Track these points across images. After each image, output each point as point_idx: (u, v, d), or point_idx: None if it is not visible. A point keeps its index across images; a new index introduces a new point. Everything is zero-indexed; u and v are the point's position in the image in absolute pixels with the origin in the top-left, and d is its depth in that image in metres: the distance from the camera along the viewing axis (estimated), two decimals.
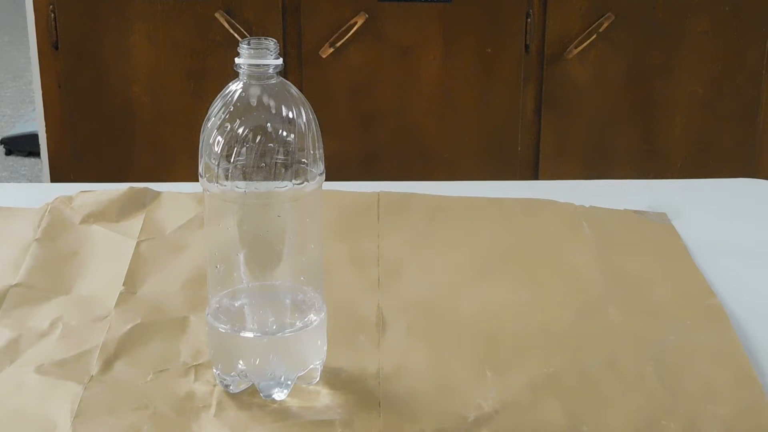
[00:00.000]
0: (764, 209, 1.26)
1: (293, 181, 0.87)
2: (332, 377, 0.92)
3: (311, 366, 0.91)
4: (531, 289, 1.07)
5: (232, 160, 0.86)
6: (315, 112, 0.88)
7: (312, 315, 0.91)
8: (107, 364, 0.94)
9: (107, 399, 0.90)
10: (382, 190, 1.23)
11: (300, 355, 0.90)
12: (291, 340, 0.90)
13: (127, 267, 1.08)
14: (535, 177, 2.18)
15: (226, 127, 0.86)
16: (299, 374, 0.90)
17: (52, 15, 2.07)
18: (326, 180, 0.90)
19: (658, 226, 1.19)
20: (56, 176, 2.18)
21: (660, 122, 2.15)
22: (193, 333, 0.98)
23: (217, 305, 0.91)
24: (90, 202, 1.18)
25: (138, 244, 1.12)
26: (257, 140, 0.86)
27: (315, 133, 0.88)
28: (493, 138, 2.16)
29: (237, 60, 0.87)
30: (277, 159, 0.86)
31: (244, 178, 0.87)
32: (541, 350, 0.97)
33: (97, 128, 2.16)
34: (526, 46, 2.10)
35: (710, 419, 0.88)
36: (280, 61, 0.87)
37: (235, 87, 0.87)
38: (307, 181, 0.88)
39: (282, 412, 0.89)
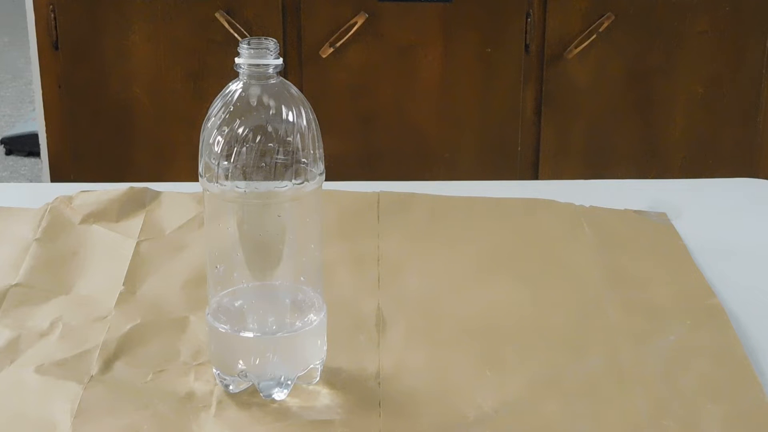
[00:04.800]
0: (764, 209, 1.26)
1: (293, 180, 0.87)
2: (332, 377, 0.92)
3: (311, 366, 0.91)
4: (531, 288, 1.07)
5: (232, 160, 0.86)
6: (315, 112, 0.88)
7: (312, 315, 0.91)
8: (107, 364, 0.94)
9: (107, 399, 0.90)
10: (382, 190, 1.23)
11: (300, 355, 0.90)
12: (291, 340, 0.90)
13: (127, 267, 1.08)
14: (535, 177, 2.18)
15: (226, 127, 0.86)
16: (299, 374, 0.90)
17: (52, 15, 2.07)
18: (326, 180, 0.90)
19: (658, 226, 1.19)
20: (56, 176, 2.18)
21: (660, 122, 2.15)
22: (193, 333, 0.98)
23: (217, 305, 0.91)
24: (90, 202, 1.18)
25: (138, 244, 1.12)
26: (257, 140, 0.86)
27: (315, 133, 0.88)
28: (493, 138, 2.16)
29: (237, 60, 0.87)
30: (277, 159, 0.86)
31: (244, 178, 0.87)
32: (541, 350, 0.97)
33: (97, 128, 2.16)
34: (526, 46, 2.10)
35: (710, 419, 0.88)
36: (280, 61, 0.87)
37: (235, 87, 0.87)
38: (307, 180, 0.88)
39: (282, 412, 0.89)
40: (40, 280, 1.06)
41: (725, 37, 2.10)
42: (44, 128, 2.16)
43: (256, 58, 0.86)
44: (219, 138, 0.86)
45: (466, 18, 2.09)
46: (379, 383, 0.92)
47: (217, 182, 0.87)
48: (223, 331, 0.90)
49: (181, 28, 2.09)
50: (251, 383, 0.90)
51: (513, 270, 1.10)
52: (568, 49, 2.09)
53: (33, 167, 3.19)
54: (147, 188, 1.21)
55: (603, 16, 2.07)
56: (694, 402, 0.90)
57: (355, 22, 2.07)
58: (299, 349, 0.90)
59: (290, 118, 0.87)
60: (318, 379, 0.92)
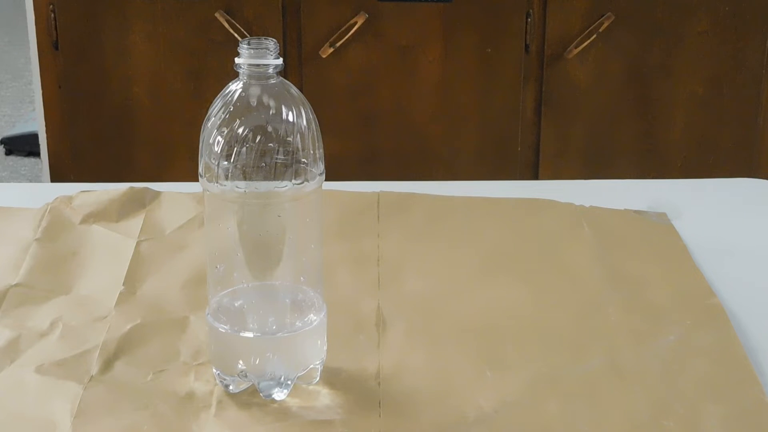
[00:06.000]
0: (764, 209, 1.26)
1: (293, 180, 0.87)
2: (332, 377, 0.92)
3: (311, 366, 0.91)
4: (531, 288, 1.07)
5: (232, 160, 0.86)
6: (315, 112, 0.88)
7: (312, 315, 0.91)
8: (107, 364, 0.94)
9: (107, 399, 0.90)
10: (382, 190, 1.23)
11: (300, 355, 0.90)
12: (291, 340, 0.90)
13: (127, 267, 1.08)
14: (535, 177, 2.18)
15: (226, 127, 0.86)
16: (299, 374, 0.90)
17: (52, 15, 2.07)
18: (326, 180, 0.90)
19: (658, 226, 1.19)
20: (56, 176, 2.18)
21: (660, 122, 2.15)
22: (193, 333, 0.98)
23: (217, 305, 0.91)
24: (90, 202, 1.18)
25: (138, 244, 1.12)
26: (257, 140, 0.86)
27: (315, 133, 0.88)
28: (493, 138, 2.16)
29: (237, 60, 0.87)
30: (277, 159, 0.86)
31: (244, 178, 0.87)
32: (541, 350, 0.97)
33: (97, 128, 2.16)
34: (526, 46, 2.10)
35: (710, 419, 0.88)
36: (280, 61, 0.87)
37: (235, 87, 0.87)
38: (307, 180, 0.88)
39: (282, 412, 0.89)
40: (40, 280, 1.06)
41: (725, 37, 2.10)
42: (44, 128, 2.16)
43: (256, 58, 0.86)
44: (219, 138, 0.86)
45: (466, 18, 2.09)
46: (379, 383, 0.92)
47: (217, 182, 0.87)
48: (223, 331, 0.90)
49: (181, 28, 2.09)
50: (251, 383, 0.90)
51: (513, 270, 1.10)
52: (568, 49, 2.09)
53: (33, 167, 3.19)
54: (147, 188, 1.21)
55: (603, 16, 2.07)
56: (694, 402, 0.90)
57: (355, 22, 2.07)
58: (299, 349, 0.90)
59: (290, 118, 0.87)
60: (318, 379, 0.92)
